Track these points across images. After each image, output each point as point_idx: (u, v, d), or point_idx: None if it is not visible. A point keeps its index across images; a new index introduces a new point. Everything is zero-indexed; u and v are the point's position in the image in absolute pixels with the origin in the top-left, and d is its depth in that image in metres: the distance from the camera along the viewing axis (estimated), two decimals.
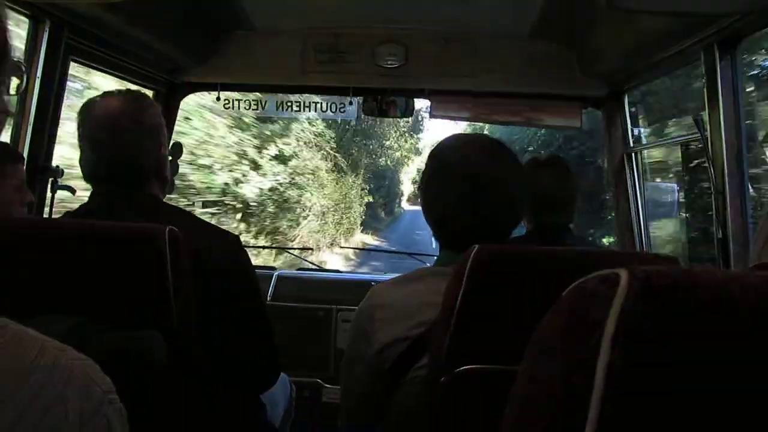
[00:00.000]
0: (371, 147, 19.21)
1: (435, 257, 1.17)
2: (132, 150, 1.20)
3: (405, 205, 34.55)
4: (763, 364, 0.33)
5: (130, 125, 1.20)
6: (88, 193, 1.26)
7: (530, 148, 10.65)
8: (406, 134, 21.46)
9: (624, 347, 0.33)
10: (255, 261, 1.51)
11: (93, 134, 1.20)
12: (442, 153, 1.14)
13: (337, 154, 14.32)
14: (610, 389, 0.33)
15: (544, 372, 0.37)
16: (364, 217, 17.73)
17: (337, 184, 14.29)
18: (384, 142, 20.87)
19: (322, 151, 12.98)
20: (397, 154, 24.29)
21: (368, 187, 18.63)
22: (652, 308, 0.33)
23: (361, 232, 17.24)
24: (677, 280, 0.35)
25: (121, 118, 1.19)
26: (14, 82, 0.54)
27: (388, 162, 23.62)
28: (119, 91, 1.27)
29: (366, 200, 18.02)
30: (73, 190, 1.84)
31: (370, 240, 16.38)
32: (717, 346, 0.33)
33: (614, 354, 0.33)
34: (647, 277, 0.34)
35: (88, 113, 1.21)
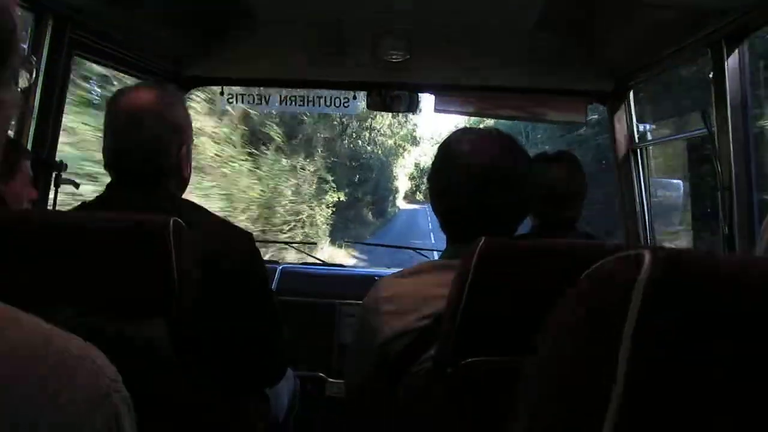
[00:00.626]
0: (348, 124, 13.85)
1: (440, 252, 1.17)
2: (153, 145, 1.17)
3: (401, 203, 29.65)
4: None
5: (155, 119, 1.17)
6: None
7: None
8: (399, 116, 17.25)
9: (647, 334, 0.31)
10: None
11: (117, 125, 1.18)
12: (451, 145, 1.14)
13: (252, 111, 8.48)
14: (631, 379, 0.31)
15: (561, 362, 0.36)
16: (337, 221, 13.22)
17: (258, 168, 8.91)
18: (372, 123, 16.60)
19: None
20: (390, 141, 20.28)
21: (333, 178, 13.49)
22: (678, 290, 0.32)
23: (331, 244, 11.99)
24: (702, 259, 0.33)
25: (147, 111, 1.17)
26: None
27: (378, 151, 19.09)
28: (149, 84, 1.25)
29: (336, 198, 13.36)
30: (76, 184, 1.83)
31: (343, 258, 10.18)
32: (747, 332, 0.31)
33: (636, 342, 0.31)
34: (669, 257, 0.32)
35: (115, 103, 1.19)
